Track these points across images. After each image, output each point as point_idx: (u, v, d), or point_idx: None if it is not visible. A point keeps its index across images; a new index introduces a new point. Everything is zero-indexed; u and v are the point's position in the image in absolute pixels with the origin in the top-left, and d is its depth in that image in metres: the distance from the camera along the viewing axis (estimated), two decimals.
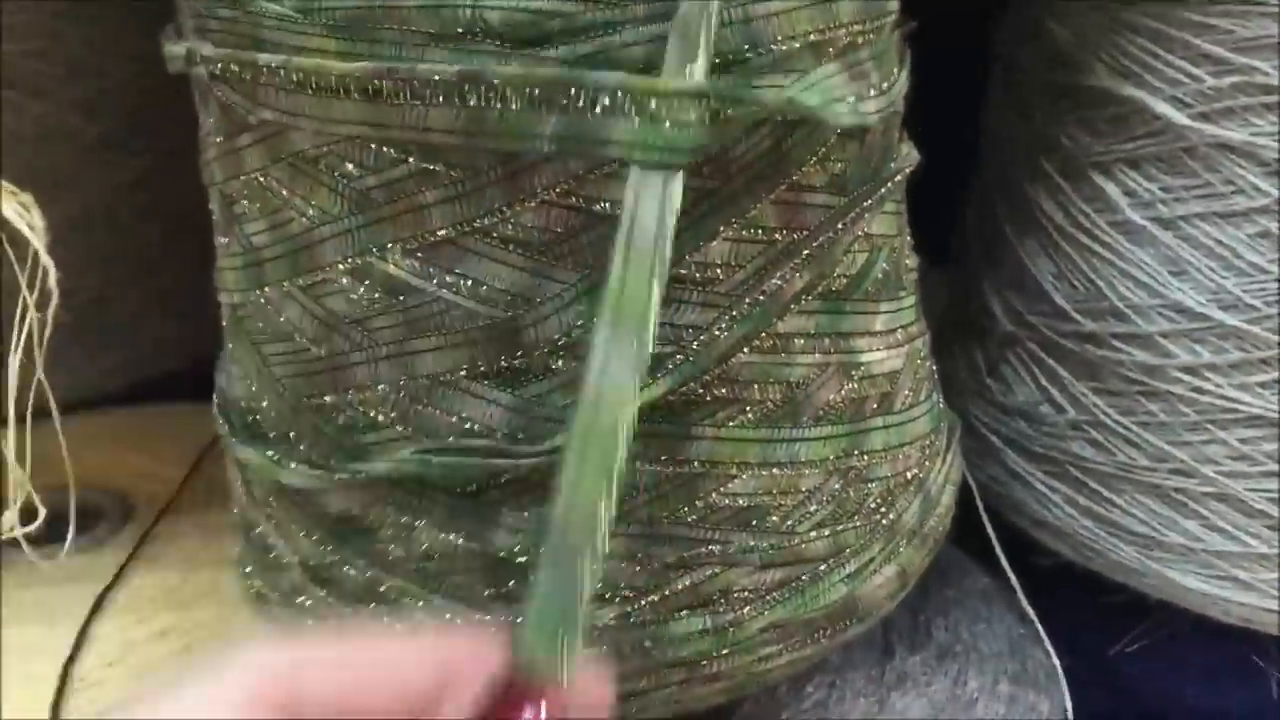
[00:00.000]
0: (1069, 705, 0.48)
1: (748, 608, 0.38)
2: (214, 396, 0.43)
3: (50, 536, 0.54)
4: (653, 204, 0.29)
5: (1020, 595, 0.50)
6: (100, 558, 0.55)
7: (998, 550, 0.51)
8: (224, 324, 0.41)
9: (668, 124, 0.30)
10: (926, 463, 0.42)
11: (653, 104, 0.30)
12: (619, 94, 0.30)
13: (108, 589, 0.52)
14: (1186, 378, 0.45)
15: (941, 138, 0.43)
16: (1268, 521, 0.45)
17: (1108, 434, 0.47)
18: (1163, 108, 0.42)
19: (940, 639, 0.49)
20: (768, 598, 0.38)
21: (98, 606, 0.51)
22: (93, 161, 0.60)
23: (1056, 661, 0.49)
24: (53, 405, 0.36)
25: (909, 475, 0.41)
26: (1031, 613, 0.50)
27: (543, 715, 0.24)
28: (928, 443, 0.43)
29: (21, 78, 0.56)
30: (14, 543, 0.58)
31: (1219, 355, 0.44)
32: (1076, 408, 0.48)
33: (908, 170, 0.40)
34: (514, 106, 0.31)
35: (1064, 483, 0.49)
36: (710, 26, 0.30)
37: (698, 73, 0.30)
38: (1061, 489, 0.50)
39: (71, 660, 0.48)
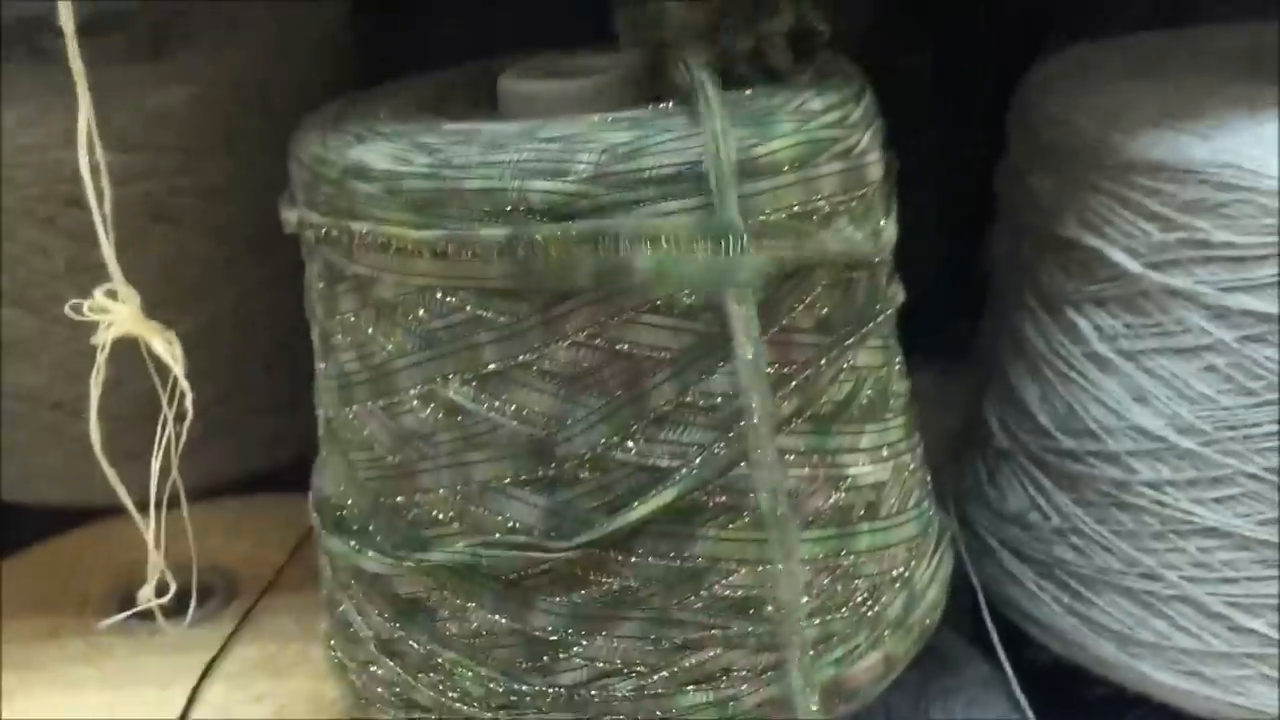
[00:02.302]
0: None
1: (745, 685, 0.44)
2: (310, 494, 0.51)
3: (165, 610, 0.63)
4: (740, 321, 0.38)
5: (1014, 684, 0.56)
6: (207, 630, 0.63)
7: (995, 641, 0.57)
8: (320, 433, 0.49)
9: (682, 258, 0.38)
10: (913, 562, 0.49)
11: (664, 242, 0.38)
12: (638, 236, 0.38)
13: (215, 658, 0.59)
14: (1150, 492, 0.50)
15: None
16: (1227, 624, 0.50)
17: (1086, 540, 0.53)
18: (1119, 257, 0.49)
19: None
20: (763, 676, 0.45)
21: (207, 672, 0.58)
22: (221, 279, 0.69)
23: None
24: (183, 498, 0.44)
25: (895, 573, 0.48)
26: (1024, 700, 0.55)
27: None
28: (914, 544, 0.49)
29: (167, 210, 0.66)
30: (139, 614, 0.66)
31: (1177, 473, 0.50)
32: (1059, 516, 0.54)
33: (892, 311, 0.47)
34: (553, 254, 0.39)
35: (1051, 583, 0.55)
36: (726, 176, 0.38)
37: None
38: (1049, 589, 0.55)
39: (182, 718, 0.56)
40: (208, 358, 0.67)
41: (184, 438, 0.41)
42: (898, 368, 0.49)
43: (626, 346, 0.41)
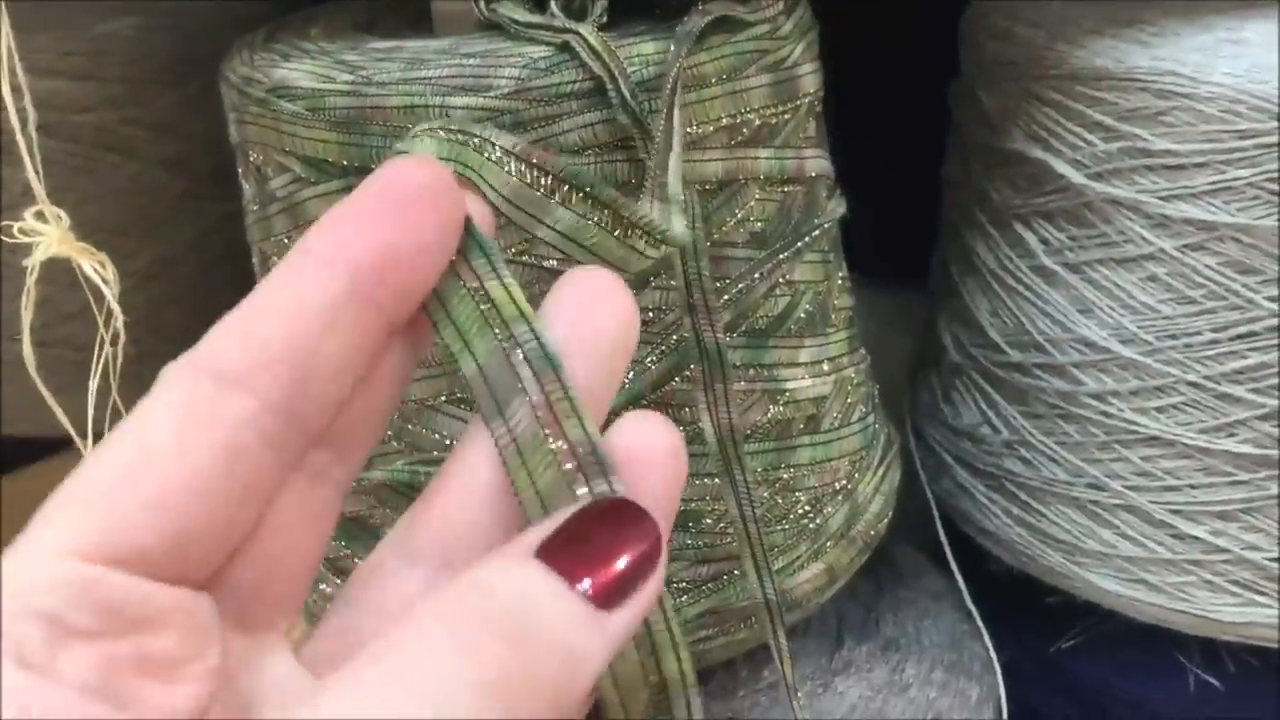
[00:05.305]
0: (1003, 693, 0.54)
1: (685, 596, 0.45)
2: None
3: None
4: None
5: (965, 594, 0.56)
6: None
7: (948, 553, 0.57)
8: None
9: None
10: (856, 475, 0.49)
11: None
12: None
13: None
14: (1094, 403, 0.51)
15: None
16: (1170, 531, 0.50)
17: (1034, 452, 0.53)
18: (1064, 168, 0.49)
19: (887, 632, 0.55)
20: (703, 588, 0.45)
21: None
22: (178, 211, 0.69)
23: (993, 655, 0.55)
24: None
25: (837, 486, 0.48)
26: (975, 610, 0.56)
27: None
28: (858, 457, 0.49)
29: (118, 141, 0.66)
30: None
31: (1121, 383, 0.50)
32: (1009, 429, 0.54)
33: (829, 225, 0.47)
34: None
35: (1001, 495, 0.56)
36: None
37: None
38: (999, 501, 0.56)
39: None
40: (168, 291, 0.67)
41: (120, 360, 0.42)
42: (840, 282, 0.49)
43: (555, 263, 0.41)
